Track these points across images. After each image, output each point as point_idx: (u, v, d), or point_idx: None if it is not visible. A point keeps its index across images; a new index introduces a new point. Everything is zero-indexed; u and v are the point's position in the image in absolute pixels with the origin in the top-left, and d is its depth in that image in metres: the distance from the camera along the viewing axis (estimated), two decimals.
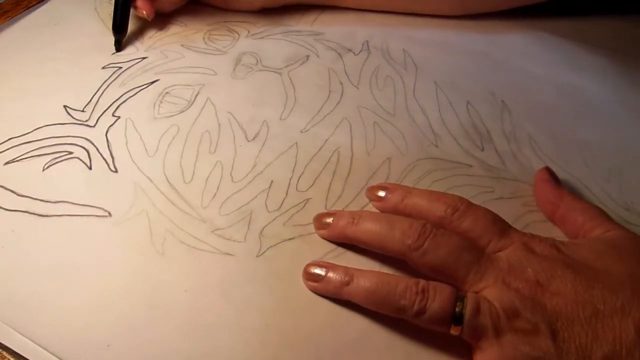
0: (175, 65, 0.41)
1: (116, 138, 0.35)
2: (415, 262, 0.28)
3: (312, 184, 0.34)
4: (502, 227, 0.29)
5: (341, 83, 0.40)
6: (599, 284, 0.25)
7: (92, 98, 0.38)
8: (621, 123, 0.38)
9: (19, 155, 0.34)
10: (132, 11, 0.43)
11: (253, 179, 0.34)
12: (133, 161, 0.34)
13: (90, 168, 0.34)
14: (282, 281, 0.29)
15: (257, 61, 0.42)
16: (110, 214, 0.31)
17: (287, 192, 0.33)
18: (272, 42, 0.43)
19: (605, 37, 0.45)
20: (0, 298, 0.28)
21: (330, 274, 0.28)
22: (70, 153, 0.34)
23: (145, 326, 0.27)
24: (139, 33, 0.44)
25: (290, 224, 0.32)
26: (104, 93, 0.38)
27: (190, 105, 0.38)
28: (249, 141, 0.36)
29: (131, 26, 0.43)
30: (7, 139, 0.35)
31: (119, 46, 0.42)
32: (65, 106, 0.37)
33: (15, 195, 0.32)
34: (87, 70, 0.40)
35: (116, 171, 0.34)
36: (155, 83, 0.39)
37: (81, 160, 0.34)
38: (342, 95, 0.39)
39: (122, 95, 0.38)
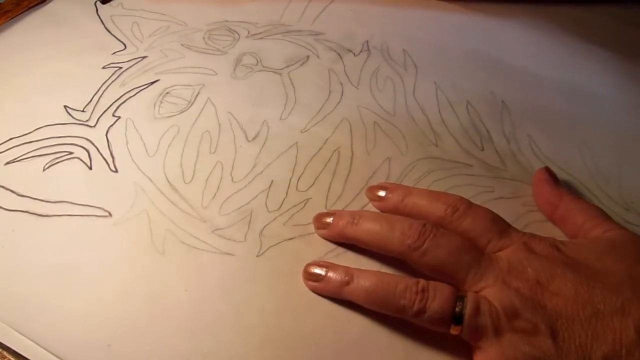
0: (176, 65, 0.41)
1: (116, 138, 0.35)
2: (415, 262, 0.28)
3: (312, 184, 0.34)
4: (502, 227, 0.29)
5: (341, 83, 0.40)
6: (599, 284, 0.25)
7: (92, 98, 0.38)
8: (621, 123, 0.38)
9: (19, 155, 0.34)
10: None
11: (253, 179, 0.34)
12: (133, 161, 0.34)
13: (90, 168, 0.34)
14: (282, 281, 0.29)
15: (257, 61, 0.42)
16: (110, 214, 0.31)
17: (287, 192, 0.33)
18: (272, 42, 0.43)
19: (606, 32, 0.45)
20: (0, 298, 0.28)
21: (330, 274, 0.28)
22: (71, 153, 0.35)
23: (145, 326, 0.27)
24: (138, 32, 0.44)
25: (290, 224, 0.32)
26: (104, 93, 0.38)
27: (191, 105, 0.38)
28: (249, 141, 0.36)
29: (130, 23, 0.43)
30: (7, 139, 0.35)
31: None
32: (65, 106, 0.37)
33: (15, 195, 0.32)
34: (88, 70, 0.40)
35: (116, 171, 0.34)
36: (156, 83, 0.39)
37: (81, 160, 0.34)
38: (342, 95, 0.39)
39: (122, 95, 0.38)
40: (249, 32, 0.44)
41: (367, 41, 0.44)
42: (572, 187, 0.34)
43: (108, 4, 0.46)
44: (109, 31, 0.43)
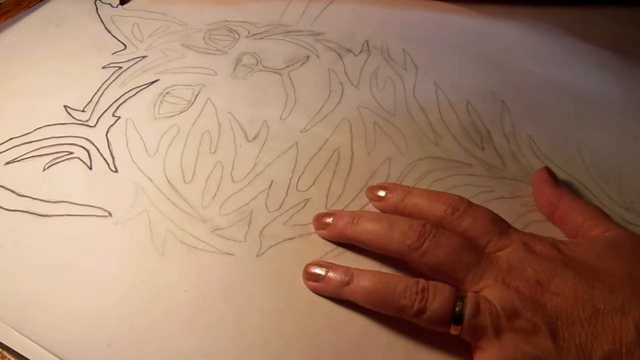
0: (176, 65, 0.41)
1: (116, 138, 0.35)
2: (414, 262, 0.28)
3: (312, 184, 0.34)
4: (501, 227, 0.29)
5: (341, 83, 0.40)
6: (599, 284, 0.25)
7: (92, 98, 0.38)
8: (621, 123, 0.38)
9: (19, 155, 0.34)
10: None
11: (253, 179, 0.34)
12: (133, 161, 0.34)
13: (90, 168, 0.34)
14: (282, 281, 0.29)
15: (258, 61, 0.42)
16: (110, 214, 0.31)
17: (287, 192, 0.33)
18: (272, 42, 0.43)
19: (606, 32, 0.45)
20: (0, 298, 0.28)
21: (330, 274, 0.28)
22: (71, 153, 0.35)
23: (145, 326, 0.27)
24: (138, 32, 0.44)
25: (290, 224, 0.32)
26: (104, 93, 0.38)
27: (191, 105, 0.38)
28: (249, 141, 0.36)
29: (130, 23, 0.43)
30: (7, 139, 0.35)
31: None
32: (65, 106, 0.37)
33: (15, 195, 0.32)
34: (88, 70, 0.40)
35: (116, 171, 0.34)
36: (156, 83, 0.39)
37: (81, 160, 0.34)
38: (342, 95, 0.39)
39: (122, 95, 0.38)
40: (249, 32, 0.44)
41: (367, 41, 0.44)
42: (572, 187, 0.34)
43: (108, 4, 0.46)
44: (109, 31, 0.44)
